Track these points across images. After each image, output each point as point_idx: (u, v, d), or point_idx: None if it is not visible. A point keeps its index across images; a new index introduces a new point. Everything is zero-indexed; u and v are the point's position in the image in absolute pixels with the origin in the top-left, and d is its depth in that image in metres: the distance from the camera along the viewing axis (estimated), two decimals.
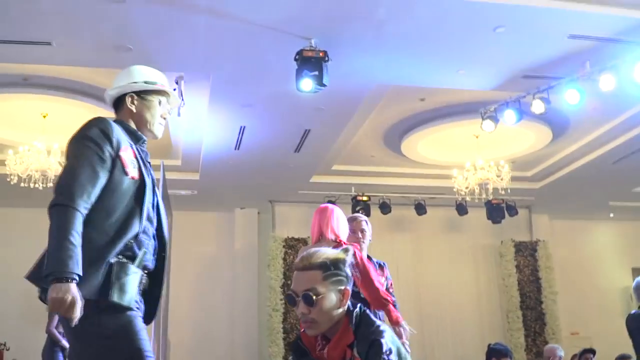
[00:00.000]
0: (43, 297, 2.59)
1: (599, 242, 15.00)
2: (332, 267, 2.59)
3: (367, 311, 2.64)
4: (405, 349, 5.18)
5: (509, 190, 10.33)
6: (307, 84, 6.45)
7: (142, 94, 3.00)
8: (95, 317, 2.55)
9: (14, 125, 9.32)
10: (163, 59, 6.84)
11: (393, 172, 11.85)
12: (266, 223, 13.25)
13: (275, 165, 10.62)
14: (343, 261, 2.64)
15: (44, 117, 8.84)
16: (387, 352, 2.44)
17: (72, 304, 2.42)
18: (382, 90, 8.21)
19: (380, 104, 8.73)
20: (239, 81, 7.60)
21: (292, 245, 12.50)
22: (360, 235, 5.21)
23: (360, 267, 4.59)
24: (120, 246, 2.65)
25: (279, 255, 12.55)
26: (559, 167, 11.62)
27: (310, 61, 6.40)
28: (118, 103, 3.03)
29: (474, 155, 10.20)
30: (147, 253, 2.79)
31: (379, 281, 4.83)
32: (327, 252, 2.65)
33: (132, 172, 2.78)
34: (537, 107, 7.47)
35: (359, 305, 2.64)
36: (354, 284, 4.76)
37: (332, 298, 2.56)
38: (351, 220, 5.29)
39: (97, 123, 2.80)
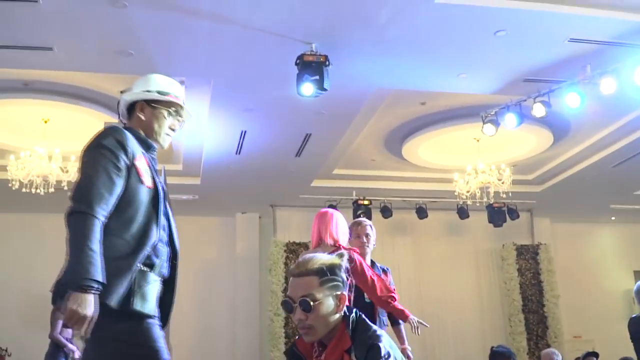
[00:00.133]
0: (60, 306, 2.56)
1: (601, 245, 14.99)
2: (328, 273, 2.59)
3: (363, 316, 2.65)
4: (407, 354, 5.21)
5: (510, 194, 10.32)
6: (308, 88, 6.45)
7: (153, 104, 3.02)
8: (115, 325, 2.57)
9: (15, 130, 9.33)
10: (164, 63, 6.84)
11: (394, 176, 11.85)
12: (267, 227, 13.25)
13: (276, 169, 10.62)
14: (339, 266, 2.65)
15: (45, 122, 8.85)
16: (386, 356, 2.44)
17: (90, 320, 2.42)
18: (383, 95, 8.21)
19: (381, 108, 8.73)
20: (239, 86, 7.61)
21: (294, 249, 12.49)
22: (365, 240, 5.22)
23: (358, 270, 4.57)
24: (142, 255, 2.68)
25: (280, 259, 12.54)
26: (560, 170, 11.62)
27: (311, 66, 6.40)
28: (131, 109, 3.05)
29: (475, 159, 10.20)
30: (163, 261, 2.83)
31: (379, 280, 4.78)
32: (323, 258, 2.66)
33: (147, 181, 2.81)
34: (538, 110, 7.46)
35: (354, 310, 2.65)
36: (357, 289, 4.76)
37: (329, 303, 2.57)
38: (356, 225, 5.29)
39: (112, 132, 2.80)
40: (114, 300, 2.54)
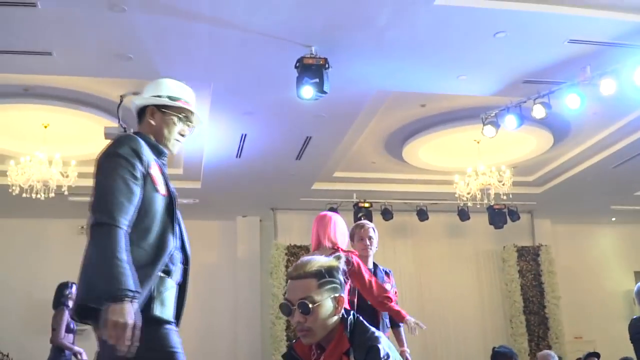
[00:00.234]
0: (91, 322, 2.56)
1: (601, 246, 15.00)
2: (326, 275, 2.60)
3: (361, 318, 2.65)
4: (406, 356, 5.22)
5: (510, 196, 10.32)
6: (308, 91, 6.45)
7: (163, 109, 3.01)
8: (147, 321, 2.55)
9: (15, 135, 9.33)
10: (163, 67, 6.84)
11: (395, 178, 11.84)
12: (268, 231, 13.24)
13: (276, 172, 10.62)
14: (337, 268, 2.66)
15: (45, 127, 8.84)
16: (385, 357, 2.45)
17: (132, 327, 2.39)
18: (383, 97, 8.21)
19: (381, 110, 8.73)
20: (239, 89, 7.61)
21: (295, 252, 12.48)
22: (368, 243, 5.23)
23: (355, 271, 4.58)
24: (161, 264, 2.68)
25: (282, 262, 12.53)
26: (561, 171, 11.62)
27: (311, 68, 6.40)
28: (141, 113, 3.05)
29: (476, 160, 10.19)
30: (178, 267, 2.84)
31: (375, 281, 4.80)
32: (321, 260, 2.66)
33: (162, 189, 2.82)
34: (538, 112, 7.46)
35: (352, 312, 2.65)
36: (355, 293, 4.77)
37: (327, 306, 2.57)
38: (359, 228, 5.30)
39: (127, 141, 2.79)
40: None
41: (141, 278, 2.55)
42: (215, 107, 8.05)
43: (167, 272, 2.75)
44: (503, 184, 10.03)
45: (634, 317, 5.87)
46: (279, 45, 6.47)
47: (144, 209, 2.71)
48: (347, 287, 4.40)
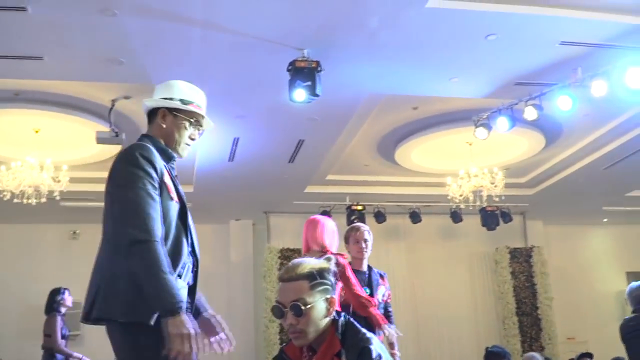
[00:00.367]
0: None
1: (593, 247, 15.05)
2: (318, 277, 2.60)
3: (352, 319, 2.65)
4: (396, 359, 5.23)
5: (503, 197, 10.35)
6: (300, 94, 6.44)
7: (174, 112, 2.99)
8: (149, 332, 2.58)
9: (5, 140, 9.29)
10: (155, 71, 6.83)
11: (387, 181, 11.86)
12: (261, 234, 13.24)
13: (269, 176, 10.61)
14: (328, 270, 2.66)
15: (36, 132, 8.81)
16: (377, 358, 2.45)
17: (195, 336, 2.50)
18: (375, 100, 8.22)
19: (373, 113, 8.73)
20: (231, 92, 7.59)
21: (288, 256, 12.47)
22: (363, 245, 5.24)
23: (343, 273, 4.61)
24: (179, 268, 2.73)
25: (275, 266, 12.53)
26: (553, 173, 11.65)
27: (303, 71, 6.40)
28: (151, 114, 3.03)
29: (468, 162, 10.21)
30: (189, 270, 2.87)
31: (360, 287, 4.88)
32: (312, 262, 2.66)
33: (174, 196, 2.82)
34: (530, 113, 7.48)
35: (343, 313, 2.65)
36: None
37: (320, 307, 2.57)
38: (354, 230, 5.31)
39: (140, 150, 2.77)
40: (152, 319, 2.57)
41: None
42: (208, 111, 8.00)
43: (180, 275, 2.78)
44: (495, 186, 10.05)
45: (626, 317, 5.87)
46: (271, 48, 6.47)
47: (162, 218, 2.72)
48: (339, 289, 4.43)
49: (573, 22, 6.26)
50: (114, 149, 9.30)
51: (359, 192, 11.91)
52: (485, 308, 13.87)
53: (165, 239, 2.70)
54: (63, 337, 7.85)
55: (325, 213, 11.45)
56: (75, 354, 7.89)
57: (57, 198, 9.13)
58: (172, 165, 2.97)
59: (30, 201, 8.92)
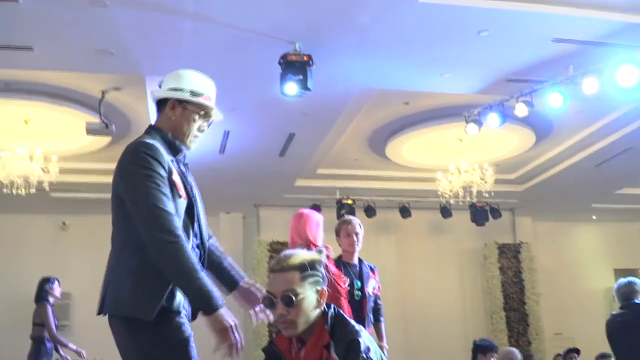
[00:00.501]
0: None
1: (582, 243, 15.11)
2: (309, 268, 2.60)
3: (341, 312, 2.65)
4: (384, 351, 5.25)
5: (492, 193, 10.37)
6: (292, 88, 6.44)
7: (184, 104, 2.93)
8: (150, 328, 2.61)
9: None
10: (145, 63, 6.81)
11: (378, 175, 11.86)
12: (251, 227, 13.23)
13: (259, 169, 10.59)
14: (319, 262, 2.67)
15: (26, 122, 8.77)
16: (366, 350, 2.45)
17: (236, 327, 2.60)
18: (367, 94, 8.21)
19: (364, 107, 8.73)
20: (222, 85, 7.50)
21: (277, 249, 12.44)
22: (354, 239, 5.24)
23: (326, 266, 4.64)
24: None
25: (264, 259, 12.52)
26: (542, 170, 11.69)
27: (295, 65, 6.39)
28: (159, 104, 2.98)
29: (458, 158, 10.23)
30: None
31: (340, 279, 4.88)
32: (304, 254, 2.68)
33: (183, 193, 2.80)
34: (521, 110, 7.50)
35: (332, 306, 2.65)
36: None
37: (310, 299, 2.57)
38: (345, 223, 5.31)
39: (147, 150, 2.73)
40: (152, 316, 2.60)
41: (158, 283, 2.64)
42: None
43: None
44: (485, 182, 10.07)
45: (613, 312, 5.91)
46: (262, 41, 6.45)
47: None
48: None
49: (565, 19, 6.27)
50: (104, 140, 9.28)
51: (349, 187, 11.92)
52: (473, 303, 13.93)
53: None
54: (54, 326, 7.84)
55: (316, 207, 11.45)
56: (71, 345, 7.88)
57: (47, 189, 9.09)
58: (180, 158, 2.94)
59: (19, 192, 8.89)
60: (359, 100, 8.33)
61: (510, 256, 13.87)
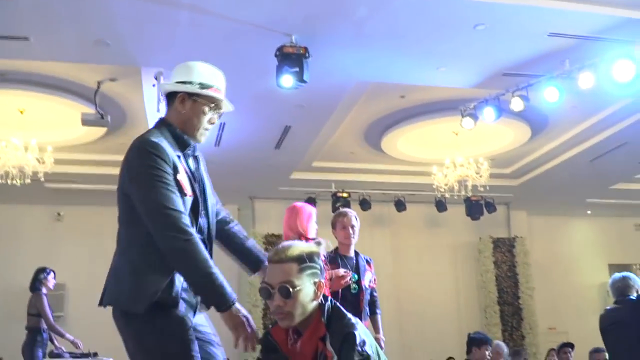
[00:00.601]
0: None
1: (576, 238, 15.15)
2: (307, 260, 2.59)
3: (338, 304, 2.66)
4: (380, 343, 5.26)
5: (487, 187, 10.38)
6: (288, 80, 6.43)
7: (194, 96, 2.89)
8: (147, 320, 2.64)
9: None
10: (141, 54, 6.79)
11: (373, 168, 11.88)
12: (246, 219, 13.20)
13: (255, 161, 10.59)
14: (317, 254, 2.66)
15: (22, 112, 8.75)
16: (362, 344, 2.45)
17: (247, 322, 2.63)
18: (363, 87, 8.21)
19: (360, 100, 8.72)
20: None
21: (272, 241, 12.46)
22: (350, 231, 5.23)
23: None
24: None
25: None
26: (538, 164, 11.71)
27: (291, 57, 6.38)
28: (169, 97, 2.95)
29: (454, 152, 10.24)
30: None
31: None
32: (302, 245, 2.67)
33: (189, 191, 2.79)
34: (516, 104, 7.51)
35: (329, 298, 2.65)
36: None
37: (307, 290, 2.57)
38: (341, 216, 5.29)
39: (153, 149, 2.71)
40: (144, 306, 2.63)
41: (165, 267, 2.66)
42: None
43: None
44: (480, 176, 10.08)
45: (607, 307, 5.92)
46: (259, 33, 6.44)
47: None
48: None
49: (562, 14, 6.27)
50: (100, 131, 9.25)
51: (345, 180, 11.93)
52: (467, 297, 13.97)
53: None
54: None
55: (311, 200, 11.47)
56: (68, 335, 7.89)
57: (42, 179, 9.07)
58: (188, 153, 2.92)
59: (14, 182, 8.86)
60: (355, 93, 8.32)
61: (504, 250, 13.91)
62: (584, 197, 13.47)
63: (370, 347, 2.48)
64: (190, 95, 2.89)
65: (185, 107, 2.88)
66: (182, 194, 2.73)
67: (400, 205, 12.58)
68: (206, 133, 2.99)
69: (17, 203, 11.91)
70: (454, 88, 8.30)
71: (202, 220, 2.87)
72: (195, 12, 6.05)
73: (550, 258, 14.51)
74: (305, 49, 6.39)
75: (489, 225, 13.48)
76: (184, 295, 2.74)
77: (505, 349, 7.79)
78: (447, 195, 10.71)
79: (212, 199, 3.02)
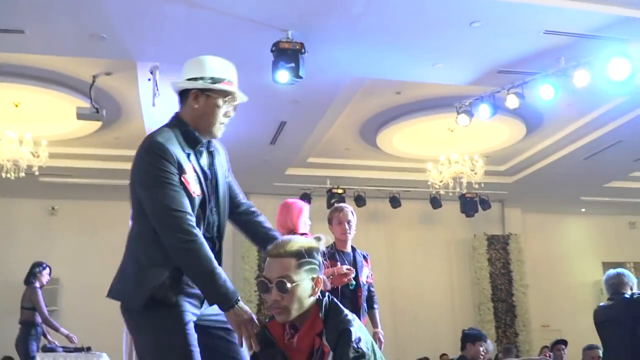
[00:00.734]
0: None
1: (571, 236, 15.18)
2: (306, 255, 2.58)
3: (335, 300, 2.66)
4: (379, 337, 5.26)
5: (482, 184, 10.41)
6: (284, 75, 6.42)
7: (207, 92, 2.86)
8: (141, 311, 2.68)
9: None
10: (137, 48, 6.78)
11: (368, 165, 11.87)
12: None
13: (250, 157, 10.57)
14: (317, 249, 2.64)
15: (16, 106, 8.73)
16: (357, 340, 2.44)
17: (250, 320, 2.65)
18: (358, 84, 8.21)
19: (356, 97, 8.72)
20: None
21: None
22: (347, 227, 5.22)
23: None
24: None
25: (254, 247, 12.49)
26: (532, 162, 11.73)
27: (287, 53, 6.37)
28: (182, 94, 2.92)
29: (449, 149, 10.25)
30: None
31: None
32: (302, 241, 2.65)
33: (196, 190, 2.78)
34: (512, 102, 7.52)
35: (327, 294, 2.65)
36: None
37: (305, 286, 2.56)
38: (338, 211, 5.28)
39: (158, 150, 2.70)
40: (140, 302, 2.67)
41: (165, 261, 2.67)
42: None
43: None
44: (475, 173, 10.10)
45: (601, 304, 5.93)
46: (255, 28, 6.43)
47: None
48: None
49: (557, 12, 6.28)
50: (94, 125, 9.24)
51: (340, 176, 11.92)
52: (461, 293, 14.00)
53: None
54: None
55: (306, 196, 11.47)
56: (62, 330, 7.87)
57: (36, 173, 9.05)
58: (200, 149, 2.89)
59: (8, 175, 8.85)
60: (351, 90, 8.32)
61: (499, 247, 13.93)
62: (578, 195, 13.50)
63: (365, 344, 2.47)
64: (203, 91, 2.86)
65: (199, 103, 2.86)
66: (188, 194, 2.73)
67: (395, 202, 12.59)
68: (222, 127, 2.95)
69: (12, 197, 11.88)
70: (449, 85, 8.31)
71: (211, 218, 2.87)
72: (192, 6, 6.04)
73: (545, 256, 14.54)
74: (301, 44, 6.38)
75: (484, 222, 13.50)
76: (189, 289, 2.75)
77: (490, 346, 7.81)
78: (441, 192, 10.73)
79: (225, 194, 3.01)
